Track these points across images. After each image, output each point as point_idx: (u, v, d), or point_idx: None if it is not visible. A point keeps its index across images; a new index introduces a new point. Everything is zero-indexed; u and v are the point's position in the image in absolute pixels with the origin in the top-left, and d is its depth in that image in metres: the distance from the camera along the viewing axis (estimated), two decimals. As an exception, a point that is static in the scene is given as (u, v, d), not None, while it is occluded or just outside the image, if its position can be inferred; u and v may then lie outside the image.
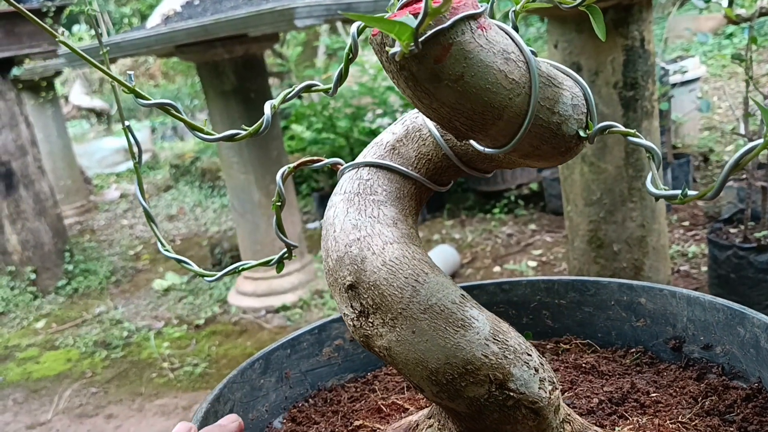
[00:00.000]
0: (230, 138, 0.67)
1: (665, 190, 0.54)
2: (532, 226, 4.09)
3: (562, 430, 0.64)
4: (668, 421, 0.69)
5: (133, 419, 2.72)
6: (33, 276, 4.34)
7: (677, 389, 0.77)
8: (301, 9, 2.67)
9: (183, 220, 5.86)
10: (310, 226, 5.01)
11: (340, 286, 0.61)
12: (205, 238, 5.07)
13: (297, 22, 2.65)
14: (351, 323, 0.62)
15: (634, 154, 2.30)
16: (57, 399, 3.00)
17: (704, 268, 3.06)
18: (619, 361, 0.85)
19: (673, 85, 4.17)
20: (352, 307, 0.61)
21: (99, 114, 8.90)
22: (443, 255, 3.60)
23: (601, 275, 2.43)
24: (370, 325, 0.61)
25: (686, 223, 3.73)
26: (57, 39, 0.64)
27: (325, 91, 0.67)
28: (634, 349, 0.87)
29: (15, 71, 4.43)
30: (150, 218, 0.76)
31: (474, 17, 0.50)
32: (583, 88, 0.63)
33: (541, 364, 0.63)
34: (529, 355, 0.63)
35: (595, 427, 0.67)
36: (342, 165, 0.71)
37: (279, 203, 0.71)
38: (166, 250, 0.76)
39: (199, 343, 3.30)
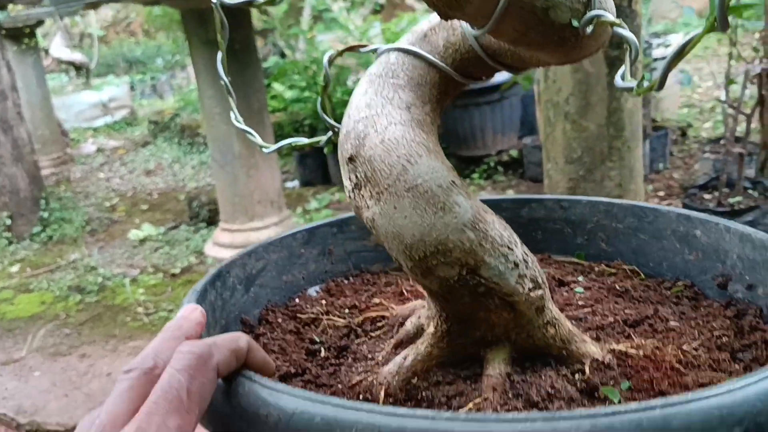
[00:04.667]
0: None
1: (631, 81, 0.56)
2: (511, 192, 4.12)
3: (544, 331, 0.63)
4: (669, 347, 0.66)
5: (106, 359, 2.73)
6: (8, 222, 4.30)
7: (701, 322, 0.73)
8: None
9: (161, 175, 5.82)
10: (289, 185, 5.00)
11: (344, 158, 0.64)
12: (183, 193, 5.05)
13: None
14: (348, 194, 0.64)
15: (616, 113, 2.33)
16: (31, 338, 2.99)
17: (677, 235, 3.12)
18: (659, 291, 0.83)
19: (656, 59, 4.21)
20: (350, 178, 0.64)
21: (78, 67, 8.75)
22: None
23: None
24: (361, 197, 0.63)
25: (661, 194, 3.78)
26: None
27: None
28: (681, 282, 0.83)
29: (-4, 14, 4.35)
30: (229, 91, 0.76)
31: None
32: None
33: (525, 261, 0.63)
34: (510, 249, 0.62)
35: (584, 337, 0.66)
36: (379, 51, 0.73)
37: (324, 84, 0.73)
38: (237, 121, 0.77)
39: (174, 291, 3.30)
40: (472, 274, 0.59)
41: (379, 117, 0.64)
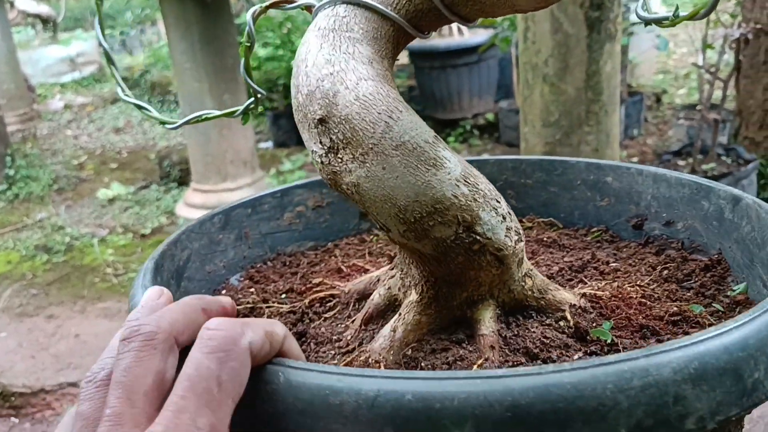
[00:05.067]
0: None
1: (655, 14, 0.53)
2: (486, 156, 4.10)
3: (523, 283, 0.63)
4: (627, 285, 0.69)
5: (74, 320, 2.69)
6: (-29, 179, 4.19)
7: (636, 260, 0.77)
8: None
9: (130, 133, 5.70)
10: (263, 145, 4.93)
11: (310, 121, 0.58)
12: (153, 152, 4.95)
13: None
14: (319, 160, 0.59)
15: (595, 76, 2.31)
16: (-4, 298, 2.94)
17: (650, 201, 3.13)
18: (580, 238, 0.86)
19: (634, 24, 4.18)
20: (321, 142, 0.59)
21: (45, 21, 8.49)
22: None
23: (553, 197, 2.46)
24: (339, 161, 0.58)
25: (635, 159, 3.79)
26: None
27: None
28: (595, 228, 0.87)
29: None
30: (110, 60, 0.71)
31: None
32: None
33: (509, 213, 0.62)
34: (498, 201, 0.61)
35: (555, 284, 0.66)
36: (314, 7, 0.68)
37: (248, 44, 0.68)
38: (126, 95, 0.72)
39: (145, 252, 3.25)
40: (468, 231, 0.57)
41: (346, 72, 0.59)
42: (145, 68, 6.83)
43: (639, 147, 3.95)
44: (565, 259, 0.78)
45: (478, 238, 0.59)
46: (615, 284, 0.70)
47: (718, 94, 2.93)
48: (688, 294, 0.67)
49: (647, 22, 0.55)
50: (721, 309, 0.64)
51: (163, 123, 0.71)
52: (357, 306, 0.68)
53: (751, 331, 0.42)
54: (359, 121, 0.58)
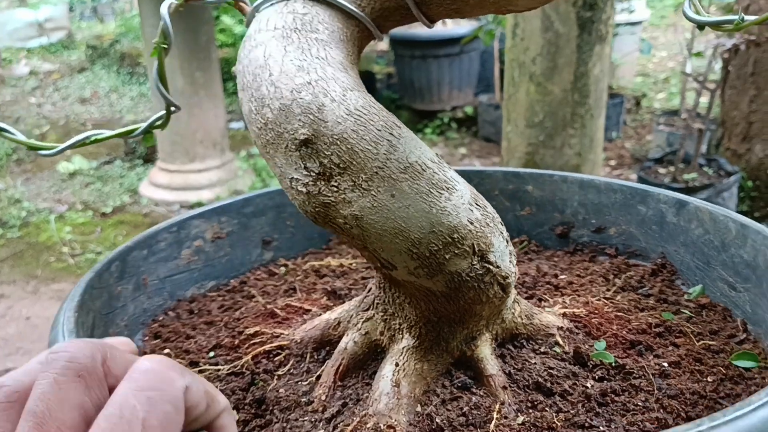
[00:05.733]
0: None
1: (707, 16, 0.46)
2: (463, 150, 4.02)
3: (513, 310, 0.59)
4: (592, 299, 0.67)
5: (26, 301, 2.55)
6: (-76, 143, 4.00)
7: (582, 271, 0.75)
8: None
9: (96, 104, 5.51)
10: (234, 125, 4.79)
11: (288, 142, 0.49)
12: (120, 126, 4.78)
13: None
14: (303, 189, 0.49)
15: (583, 78, 2.24)
16: (-58, 274, 2.79)
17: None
18: None
19: (618, 25, 4.13)
20: (306, 168, 0.49)
21: (12, -19, 8.20)
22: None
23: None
24: (334, 189, 0.48)
25: (613, 163, 3.75)
26: None
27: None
28: (517, 239, 0.84)
29: None
30: None
31: None
32: None
33: (509, 236, 0.56)
34: (501, 224, 0.55)
35: (537, 308, 0.63)
36: (248, 3, 0.58)
37: (164, 45, 0.57)
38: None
39: (104, 232, 3.11)
40: (482, 261, 0.51)
41: (327, 82, 0.50)
42: (116, 38, 6.60)
43: (617, 150, 3.91)
44: None
45: (490, 267, 0.52)
46: (581, 299, 0.67)
47: (700, 102, 2.89)
48: (651, 302, 0.67)
49: (702, 26, 0.49)
50: (691, 314, 0.64)
51: (34, 149, 0.59)
52: (315, 357, 0.60)
53: None
54: (357, 140, 0.48)
